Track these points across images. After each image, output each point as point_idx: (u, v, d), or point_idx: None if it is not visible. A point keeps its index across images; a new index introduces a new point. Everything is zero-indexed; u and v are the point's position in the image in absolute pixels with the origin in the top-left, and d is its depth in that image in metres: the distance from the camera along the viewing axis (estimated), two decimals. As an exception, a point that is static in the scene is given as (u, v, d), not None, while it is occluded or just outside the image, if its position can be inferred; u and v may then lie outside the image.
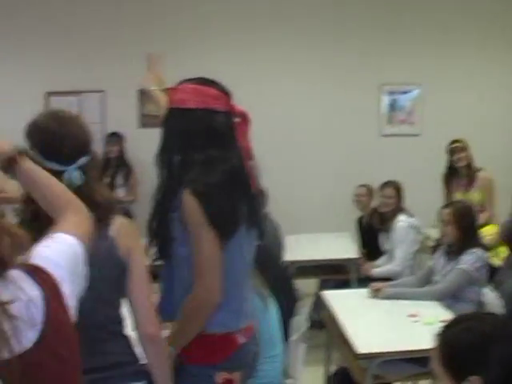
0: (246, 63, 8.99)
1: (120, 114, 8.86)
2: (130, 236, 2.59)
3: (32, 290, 1.58)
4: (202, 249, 2.72)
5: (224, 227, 2.74)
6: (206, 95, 2.83)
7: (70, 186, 2.32)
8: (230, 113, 2.88)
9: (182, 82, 2.93)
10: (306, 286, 6.68)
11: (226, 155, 2.81)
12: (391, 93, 9.34)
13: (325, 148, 9.15)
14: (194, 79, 2.91)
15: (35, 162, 2.19)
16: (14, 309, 1.50)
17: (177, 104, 2.86)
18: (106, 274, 2.48)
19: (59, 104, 8.77)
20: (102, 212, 2.47)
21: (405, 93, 9.36)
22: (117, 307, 2.62)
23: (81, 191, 2.33)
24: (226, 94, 2.89)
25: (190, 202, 2.69)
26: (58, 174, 2.31)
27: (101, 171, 2.70)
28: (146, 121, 8.93)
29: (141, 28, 8.87)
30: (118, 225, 2.58)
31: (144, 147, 8.67)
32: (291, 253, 6.53)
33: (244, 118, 2.92)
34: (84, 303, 2.31)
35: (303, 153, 9.12)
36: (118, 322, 2.62)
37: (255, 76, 8.98)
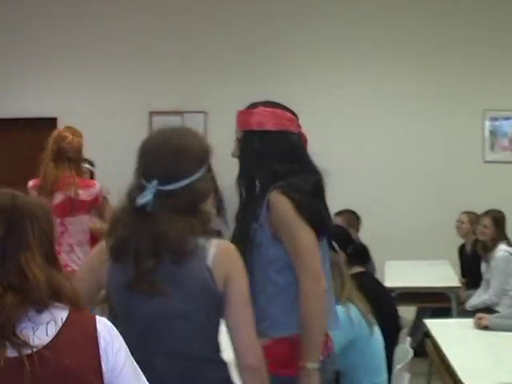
0: (348, 87, 9.00)
1: (222, 135, 8.94)
2: (228, 262, 2.42)
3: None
4: (302, 241, 2.78)
5: (319, 222, 2.83)
6: (282, 118, 2.95)
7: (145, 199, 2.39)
8: (301, 134, 3.03)
9: (252, 106, 3.02)
10: (402, 313, 6.61)
11: (308, 169, 2.95)
12: (493, 119, 9.19)
13: (427, 173, 9.04)
14: (265, 102, 3.01)
15: None
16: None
17: (255, 127, 2.94)
18: (200, 306, 2.39)
19: (162, 123, 8.94)
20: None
21: (507, 119, 9.19)
22: (214, 336, 2.49)
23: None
24: (296, 116, 3.02)
25: (282, 200, 2.78)
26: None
27: None
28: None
29: (243, 52, 8.98)
30: (215, 251, 2.40)
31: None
32: (390, 279, 6.47)
33: (305, 139, 3.07)
34: (180, 333, 2.36)
35: (405, 177, 9.03)
36: (216, 349, 2.50)
37: (355, 104, 8.98)
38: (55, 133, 5.58)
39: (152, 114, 9.14)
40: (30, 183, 5.30)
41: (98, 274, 2.42)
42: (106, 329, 1.87)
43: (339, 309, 3.75)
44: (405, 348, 4.26)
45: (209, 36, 9.08)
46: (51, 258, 1.87)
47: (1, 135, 9.13)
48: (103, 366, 1.82)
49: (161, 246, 2.33)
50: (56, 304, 1.81)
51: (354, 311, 3.87)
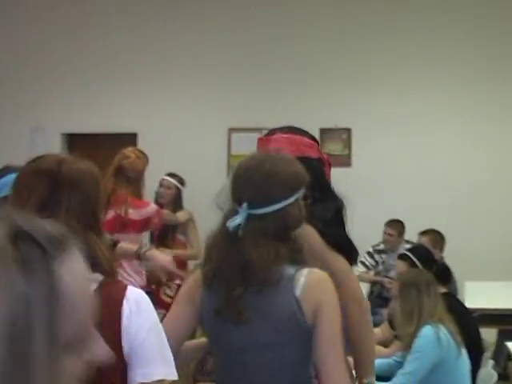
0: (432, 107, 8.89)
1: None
2: (318, 293, 2.32)
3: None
4: (338, 267, 2.77)
5: (349, 250, 2.88)
6: (299, 144, 2.97)
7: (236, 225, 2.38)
8: (321, 159, 3.05)
9: (272, 132, 3.07)
10: (483, 335, 6.46)
11: (328, 196, 2.98)
12: None
13: (508, 192, 8.83)
14: (284, 128, 3.09)
15: None
16: None
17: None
18: (287, 338, 2.33)
19: (241, 140, 9.00)
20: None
21: None
22: (304, 368, 2.40)
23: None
24: (316, 141, 3.10)
25: (309, 232, 2.70)
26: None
27: None
28: (326, 159, 8.96)
29: (320, 70, 8.96)
30: (305, 281, 2.32)
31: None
32: (470, 300, 6.33)
33: (328, 164, 3.13)
34: (266, 365, 2.32)
35: (484, 196, 8.84)
36: (309, 377, 2.42)
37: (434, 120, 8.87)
38: (122, 151, 5.75)
39: (231, 130, 9.19)
40: None
41: (195, 302, 2.40)
42: (134, 299, 1.88)
43: (429, 329, 3.72)
44: (489, 371, 4.16)
45: (290, 53, 9.09)
46: (92, 225, 1.90)
47: (84, 150, 9.29)
48: (123, 333, 1.84)
49: (247, 273, 2.29)
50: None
51: (443, 332, 3.88)
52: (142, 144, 8.62)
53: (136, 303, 1.88)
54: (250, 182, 2.37)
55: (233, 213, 2.37)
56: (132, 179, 5.62)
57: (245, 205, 2.32)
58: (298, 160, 2.72)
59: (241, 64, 9.18)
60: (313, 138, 3.10)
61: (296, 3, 9.15)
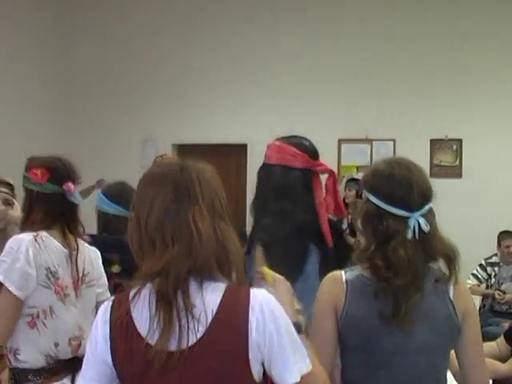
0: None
1: (409, 162, 8.83)
2: (466, 296, 2.40)
3: (212, 302, 1.84)
4: None
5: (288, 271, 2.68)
6: (285, 153, 3.17)
7: (412, 231, 2.33)
8: (308, 170, 3.17)
9: (278, 140, 3.30)
10: None
11: (296, 208, 3.05)
12: None
13: None
14: (283, 137, 3.32)
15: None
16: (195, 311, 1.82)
17: (265, 160, 3.26)
18: (445, 340, 2.35)
19: (350, 150, 8.99)
20: (451, 263, 2.36)
21: None
22: (445, 370, 2.45)
23: (424, 239, 2.33)
24: (306, 152, 3.21)
25: (257, 252, 2.93)
26: (401, 221, 2.34)
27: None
28: (436, 171, 8.85)
29: (425, 79, 8.85)
30: (457, 285, 2.37)
31: (436, 196, 8.64)
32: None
33: (331, 174, 3.31)
34: (415, 369, 2.31)
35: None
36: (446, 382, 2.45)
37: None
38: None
39: (341, 141, 9.19)
40: None
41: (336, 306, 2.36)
42: (259, 308, 1.85)
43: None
44: None
45: (395, 63, 9.02)
46: (221, 214, 1.94)
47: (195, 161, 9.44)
48: (251, 345, 1.82)
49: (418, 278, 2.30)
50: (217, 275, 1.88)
51: None
52: (250, 154, 8.71)
53: (261, 312, 1.85)
54: (427, 185, 2.44)
55: (396, 221, 2.35)
56: None
57: (428, 206, 2.38)
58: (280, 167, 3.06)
59: (351, 75, 9.17)
60: (304, 149, 3.23)
61: (410, 17, 9.09)
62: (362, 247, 2.41)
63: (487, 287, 7.66)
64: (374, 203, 2.38)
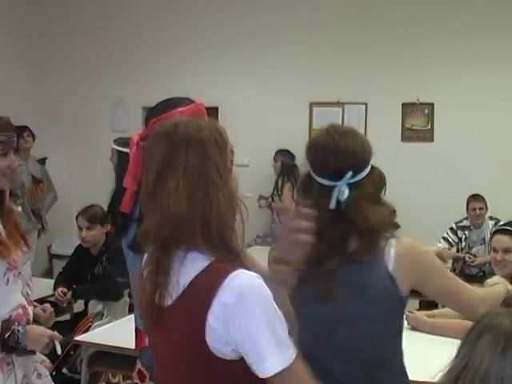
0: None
1: (382, 126, 8.85)
2: (414, 264, 2.30)
3: (186, 276, 1.80)
4: None
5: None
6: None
7: (338, 202, 2.25)
8: None
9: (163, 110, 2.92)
10: None
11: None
12: None
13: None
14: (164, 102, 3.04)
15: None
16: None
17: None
18: (380, 311, 2.30)
19: (322, 114, 8.97)
20: (367, 237, 2.27)
21: None
22: (395, 340, 2.41)
23: (347, 210, 2.26)
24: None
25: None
26: (328, 190, 2.27)
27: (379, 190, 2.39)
28: (408, 135, 8.86)
29: (398, 46, 8.82)
30: (395, 253, 2.28)
31: (406, 160, 8.69)
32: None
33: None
34: (356, 337, 2.30)
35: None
36: (397, 354, 2.42)
37: None
38: None
39: (312, 104, 9.15)
40: None
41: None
42: (231, 291, 1.74)
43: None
44: None
45: (368, 28, 8.96)
46: (215, 180, 1.82)
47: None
48: (208, 328, 1.76)
49: (346, 246, 2.27)
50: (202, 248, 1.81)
51: None
52: (222, 117, 8.66)
53: (232, 295, 1.74)
54: (349, 152, 2.29)
55: (320, 189, 2.31)
56: None
57: (349, 174, 2.26)
58: None
59: (322, 39, 9.11)
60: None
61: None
62: None
63: (458, 250, 7.72)
64: (307, 173, 2.36)
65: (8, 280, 2.72)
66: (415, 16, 8.81)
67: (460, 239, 7.73)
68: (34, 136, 8.70)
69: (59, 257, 9.17)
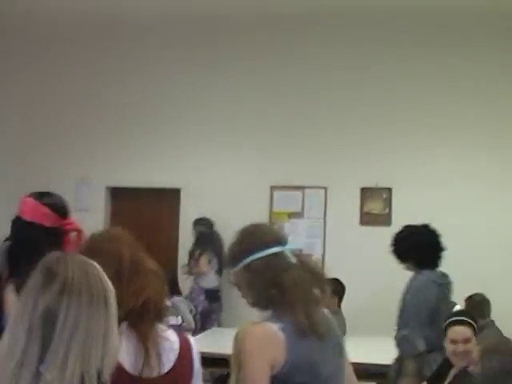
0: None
1: (341, 210, 8.97)
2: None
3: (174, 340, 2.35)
4: None
5: None
6: (37, 211, 3.35)
7: None
8: (57, 228, 3.37)
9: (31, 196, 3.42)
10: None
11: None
12: None
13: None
14: (39, 194, 3.42)
15: None
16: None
17: (20, 213, 3.42)
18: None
19: (282, 198, 9.07)
20: None
21: None
22: None
23: None
24: (57, 212, 3.37)
25: None
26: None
27: None
28: (366, 219, 9.01)
29: (365, 128, 9.02)
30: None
31: (365, 244, 8.76)
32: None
33: (79, 232, 3.39)
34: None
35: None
36: None
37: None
38: None
39: (273, 188, 9.26)
40: None
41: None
42: (196, 350, 2.43)
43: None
44: None
45: (331, 116, 9.18)
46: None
47: (127, 203, 9.39)
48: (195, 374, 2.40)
49: None
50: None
51: None
52: (184, 199, 8.71)
53: (196, 353, 2.46)
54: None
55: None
56: None
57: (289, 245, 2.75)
58: None
59: (283, 124, 9.30)
60: (58, 210, 3.38)
61: (329, 68, 9.28)
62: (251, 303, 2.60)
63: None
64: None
65: None
66: (374, 100, 9.07)
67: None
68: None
69: None
